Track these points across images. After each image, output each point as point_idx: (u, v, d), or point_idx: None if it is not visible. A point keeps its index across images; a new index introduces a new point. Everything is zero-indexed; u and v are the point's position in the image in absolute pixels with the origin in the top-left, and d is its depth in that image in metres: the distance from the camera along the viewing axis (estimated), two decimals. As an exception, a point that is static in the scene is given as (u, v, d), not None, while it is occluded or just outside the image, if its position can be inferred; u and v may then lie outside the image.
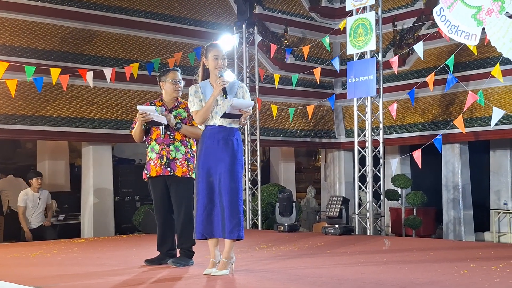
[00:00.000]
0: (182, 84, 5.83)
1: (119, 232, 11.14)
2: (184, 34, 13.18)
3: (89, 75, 9.47)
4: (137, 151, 13.98)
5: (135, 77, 10.04)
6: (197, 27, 13.42)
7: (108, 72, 9.70)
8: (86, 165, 11.25)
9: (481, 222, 12.46)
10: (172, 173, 5.63)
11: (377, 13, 9.61)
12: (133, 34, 12.60)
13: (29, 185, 9.72)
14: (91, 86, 10.12)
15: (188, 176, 5.65)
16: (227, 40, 11.36)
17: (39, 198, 9.58)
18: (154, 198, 5.85)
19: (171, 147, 5.66)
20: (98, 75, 9.85)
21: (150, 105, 5.74)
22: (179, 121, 5.68)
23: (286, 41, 14.34)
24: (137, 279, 5.05)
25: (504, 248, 7.36)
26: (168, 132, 5.68)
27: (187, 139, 5.73)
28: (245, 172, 11.54)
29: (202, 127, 5.11)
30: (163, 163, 5.65)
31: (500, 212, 12.15)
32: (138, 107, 5.59)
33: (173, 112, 5.72)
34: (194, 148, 5.76)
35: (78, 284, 4.76)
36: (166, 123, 5.58)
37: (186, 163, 5.66)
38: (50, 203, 9.92)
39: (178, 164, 5.64)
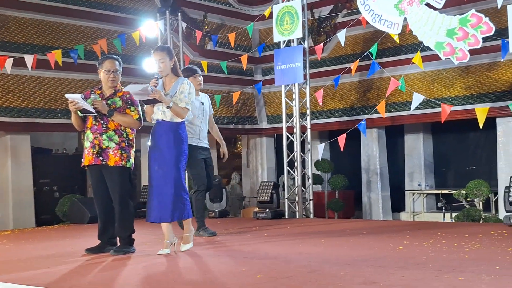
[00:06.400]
0: (119, 73, 5.73)
1: (38, 224, 10.82)
2: (103, 20, 12.89)
3: (9, 62, 9.14)
4: (52, 141, 13.60)
5: (60, 65, 9.76)
6: (117, 13, 13.16)
7: (29, 59, 9.38)
8: (4, 155, 10.82)
9: (397, 203, 13.07)
10: (104, 163, 5.55)
11: (302, 1, 9.81)
12: (47, 19, 12.20)
13: None
14: (8, 73, 9.76)
15: (121, 165, 5.56)
16: (150, 27, 11.22)
17: (202, 103, 7.01)
18: (92, 187, 5.80)
19: (104, 136, 5.57)
20: (14, 62, 9.50)
21: (91, 93, 5.66)
22: (113, 109, 5.60)
23: (206, 27, 14.34)
24: (83, 267, 4.99)
25: (428, 226, 7.78)
26: (102, 121, 5.59)
27: (122, 128, 5.61)
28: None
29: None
30: (95, 152, 5.56)
31: (415, 193, 12.80)
32: (67, 95, 5.55)
33: (108, 101, 5.62)
34: (131, 137, 5.68)
35: (25, 275, 4.65)
36: (93, 111, 5.50)
37: (120, 152, 5.57)
38: None
39: (110, 153, 5.55)
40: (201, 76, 6.96)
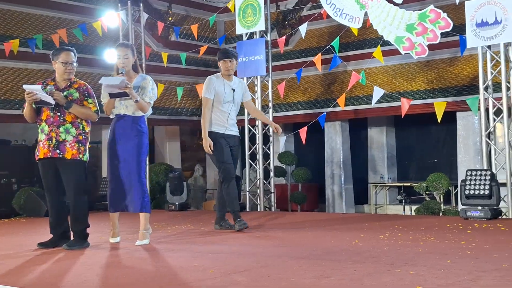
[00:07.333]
0: (75, 65, 5.65)
1: (-6, 217, 10.58)
2: (63, 9, 12.65)
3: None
4: (10, 131, 13.30)
5: (15, 54, 9.53)
6: (78, 2, 12.93)
7: (-16, 48, 9.17)
8: (-40, 147, 10.58)
9: (361, 195, 13.15)
10: (61, 156, 5.47)
11: (265, -7, 9.77)
12: (6, 8, 11.92)
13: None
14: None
15: (78, 158, 5.50)
16: (112, 17, 11.04)
17: (233, 90, 6.45)
18: (44, 181, 5.67)
19: (61, 129, 5.49)
20: (-29, 51, 9.29)
21: (43, 84, 5.55)
22: (70, 101, 5.51)
23: (170, 18, 14.19)
24: (34, 262, 4.89)
25: (387, 219, 7.83)
26: (59, 113, 5.49)
27: (78, 121, 5.55)
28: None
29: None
30: (51, 145, 5.47)
31: (377, 185, 12.90)
32: (24, 86, 5.44)
33: (64, 93, 5.54)
34: (87, 129, 5.63)
35: (-29, 271, 4.52)
36: (53, 103, 5.40)
37: (77, 145, 5.51)
38: None
39: (67, 146, 5.47)
40: (235, 61, 6.57)
